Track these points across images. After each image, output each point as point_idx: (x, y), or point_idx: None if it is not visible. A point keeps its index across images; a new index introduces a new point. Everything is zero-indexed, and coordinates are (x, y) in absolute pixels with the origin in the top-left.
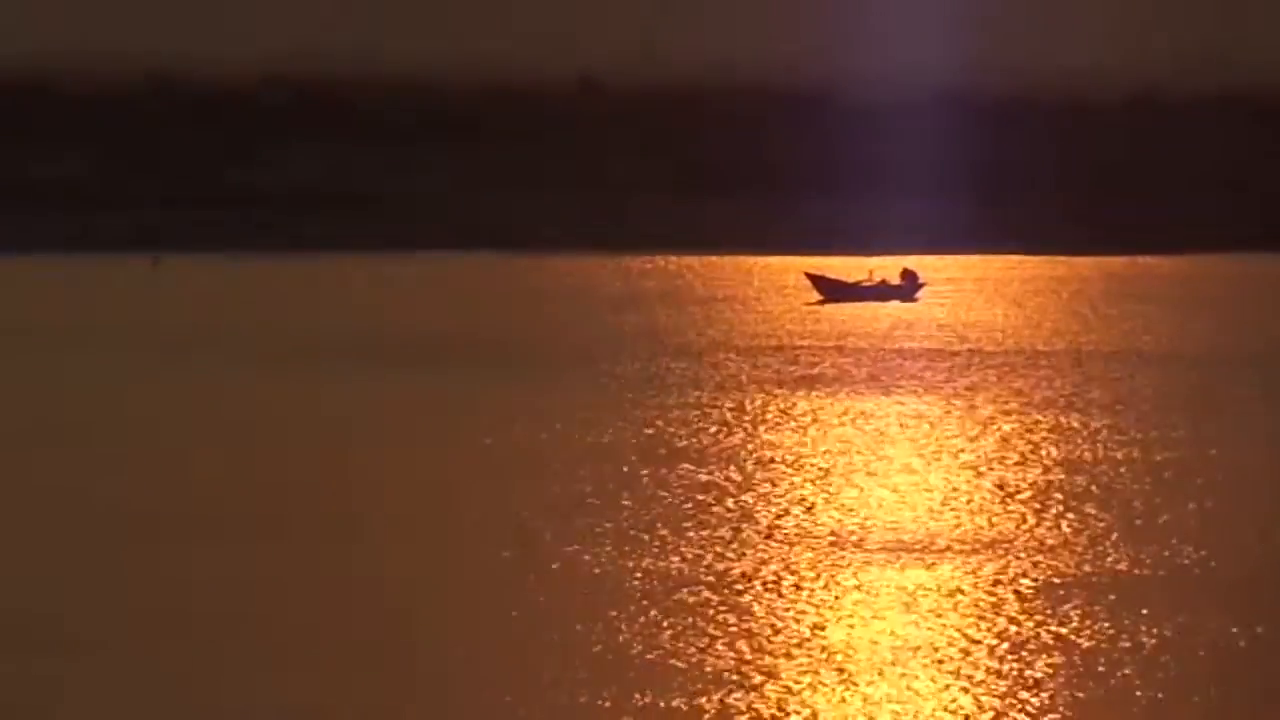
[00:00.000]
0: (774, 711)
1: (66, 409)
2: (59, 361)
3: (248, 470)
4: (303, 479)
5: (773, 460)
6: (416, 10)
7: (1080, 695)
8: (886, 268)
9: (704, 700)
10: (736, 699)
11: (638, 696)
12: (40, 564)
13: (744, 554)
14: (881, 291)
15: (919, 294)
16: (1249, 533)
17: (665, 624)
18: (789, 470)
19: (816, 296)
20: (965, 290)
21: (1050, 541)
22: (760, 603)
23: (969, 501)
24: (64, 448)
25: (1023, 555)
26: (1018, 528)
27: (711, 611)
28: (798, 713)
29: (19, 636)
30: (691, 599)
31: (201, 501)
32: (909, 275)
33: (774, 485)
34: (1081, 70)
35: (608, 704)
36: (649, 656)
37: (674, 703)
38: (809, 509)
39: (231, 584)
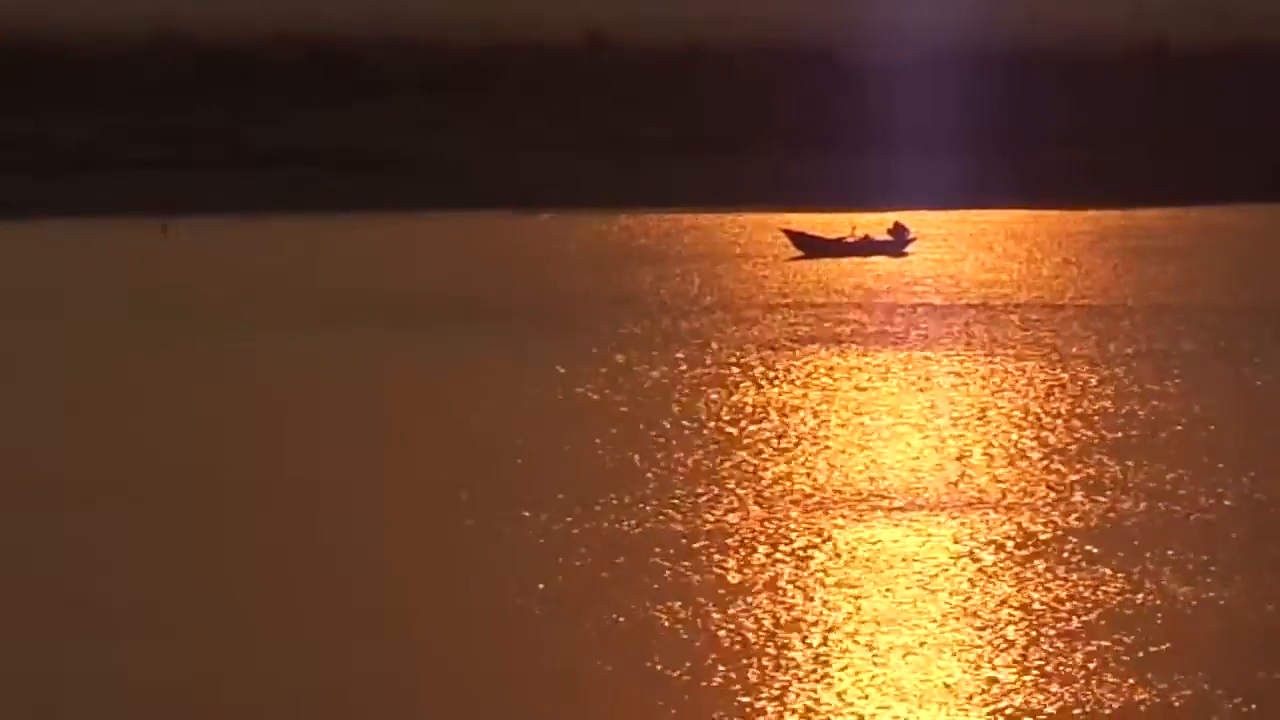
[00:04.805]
0: (760, 673)
1: (74, 373)
2: (65, 325)
3: (239, 430)
4: (289, 439)
5: (767, 418)
6: None
7: (1103, 653)
8: (876, 223)
9: (696, 663)
10: (721, 659)
11: (648, 664)
12: (46, 523)
13: (733, 512)
14: (866, 246)
15: (909, 248)
16: (1255, 482)
17: (661, 584)
18: (781, 428)
19: (798, 253)
20: (962, 244)
21: (1033, 497)
22: (746, 561)
23: (957, 458)
24: (71, 410)
25: (1009, 511)
26: (1027, 483)
27: (696, 571)
28: (814, 679)
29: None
30: (681, 558)
31: (206, 461)
32: (899, 229)
33: (767, 443)
34: (1083, 23)
35: (608, 668)
36: (652, 618)
37: (666, 668)
38: (800, 467)
39: (223, 545)
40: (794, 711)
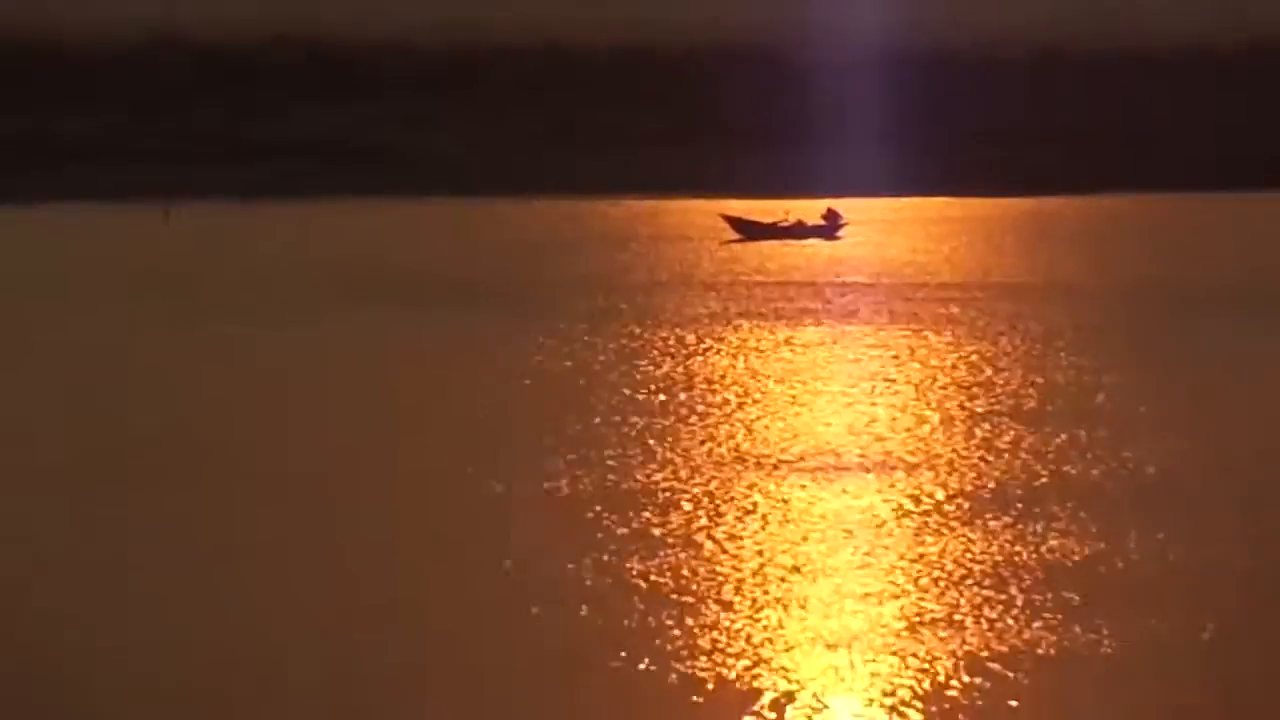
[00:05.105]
0: (700, 626)
1: (77, 357)
2: (69, 310)
3: (242, 410)
4: (292, 417)
5: (698, 386)
6: None
7: (988, 603)
8: (805, 209)
9: (615, 610)
10: (638, 606)
11: (585, 610)
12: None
13: (660, 472)
14: (800, 230)
15: (841, 232)
16: (1138, 449)
17: (587, 539)
18: (710, 395)
19: (735, 237)
20: (889, 229)
21: (959, 458)
22: (667, 517)
23: (869, 423)
24: (74, 394)
25: (912, 472)
26: (931, 446)
27: (623, 525)
28: (721, 626)
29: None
30: (610, 513)
31: (209, 445)
32: (832, 215)
33: (694, 409)
34: (996, 28)
35: (534, 612)
36: (582, 569)
37: (591, 614)
38: (725, 431)
39: (229, 529)
40: (703, 653)
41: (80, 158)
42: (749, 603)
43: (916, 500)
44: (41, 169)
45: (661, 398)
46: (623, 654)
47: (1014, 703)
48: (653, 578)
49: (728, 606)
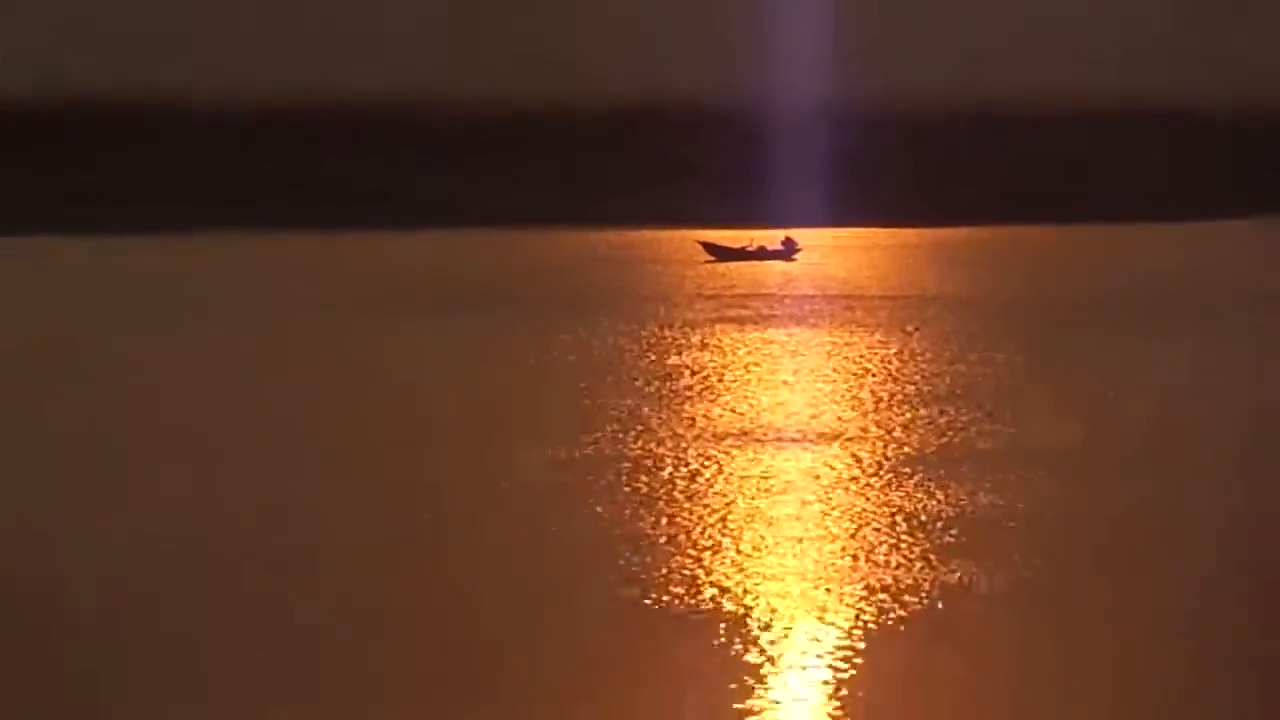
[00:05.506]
0: (656, 572)
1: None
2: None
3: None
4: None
5: (680, 375)
6: (427, 50)
7: (886, 544)
8: (766, 237)
9: (592, 558)
10: (635, 560)
11: (582, 552)
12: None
13: (640, 441)
14: (762, 254)
15: (796, 256)
16: (1017, 424)
17: (603, 499)
18: (689, 382)
19: (709, 258)
20: (834, 253)
21: (874, 432)
22: (645, 479)
23: (813, 404)
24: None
25: (847, 442)
26: (851, 422)
27: (609, 485)
28: (687, 565)
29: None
30: (601, 475)
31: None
32: (789, 241)
33: (678, 393)
34: (922, 92)
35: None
36: (594, 526)
37: (614, 560)
38: (700, 410)
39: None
40: (662, 583)
41: (136, 201)
42: (710, 546)
43: (847, 465)
44: (121, 207)
45: (639, 383)
46: (610, 587)
47: (901, 627)
48: (635, 525)
49: (691, 549)
